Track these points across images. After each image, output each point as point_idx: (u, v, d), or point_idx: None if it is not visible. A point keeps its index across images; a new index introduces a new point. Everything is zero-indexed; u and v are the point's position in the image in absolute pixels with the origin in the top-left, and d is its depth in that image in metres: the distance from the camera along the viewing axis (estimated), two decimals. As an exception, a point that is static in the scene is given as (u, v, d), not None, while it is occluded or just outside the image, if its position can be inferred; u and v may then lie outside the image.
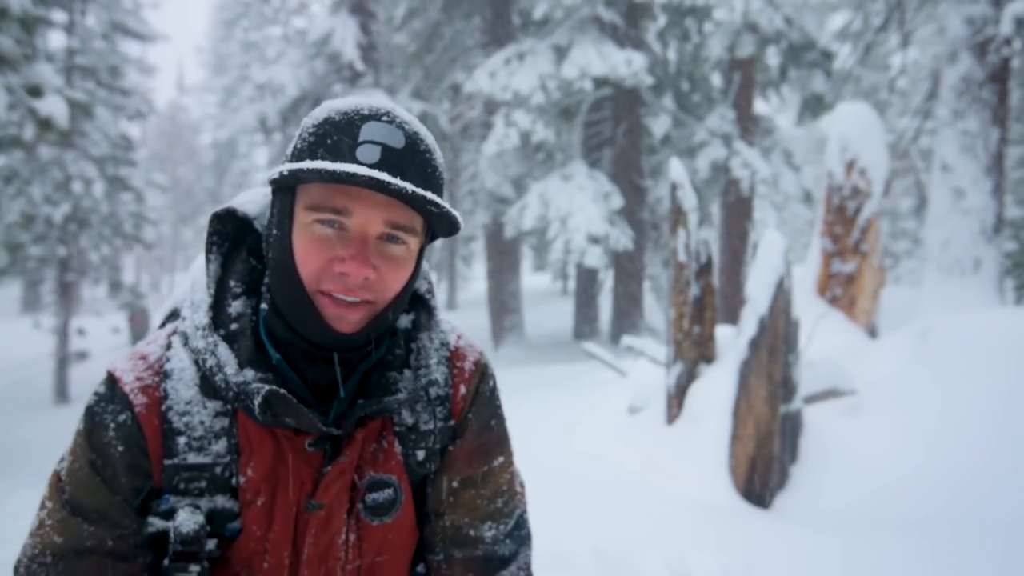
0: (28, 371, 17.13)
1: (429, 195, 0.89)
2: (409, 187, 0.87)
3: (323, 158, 0.90)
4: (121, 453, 0.95)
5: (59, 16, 13.45)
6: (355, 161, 0.89)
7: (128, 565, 0.96)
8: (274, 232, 0.96)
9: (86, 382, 14.38)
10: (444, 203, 0.91)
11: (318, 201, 0.91)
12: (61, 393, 14.01)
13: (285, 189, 0.95)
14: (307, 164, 0.87)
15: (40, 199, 13.29)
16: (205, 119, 44.57)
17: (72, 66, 14.03)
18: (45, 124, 9.23)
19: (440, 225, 0.97)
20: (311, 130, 0.94)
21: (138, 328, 21.00)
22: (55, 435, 9.84)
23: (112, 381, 0.99)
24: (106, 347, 21.33)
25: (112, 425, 0.96)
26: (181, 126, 44.73)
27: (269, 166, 29.08)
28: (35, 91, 9.10)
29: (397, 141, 0.92)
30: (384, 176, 0.86)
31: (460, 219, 0.94)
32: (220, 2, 37.63)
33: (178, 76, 49.10)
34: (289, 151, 0.97)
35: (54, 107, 9.23)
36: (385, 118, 0.93)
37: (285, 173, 0.89)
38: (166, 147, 42.69)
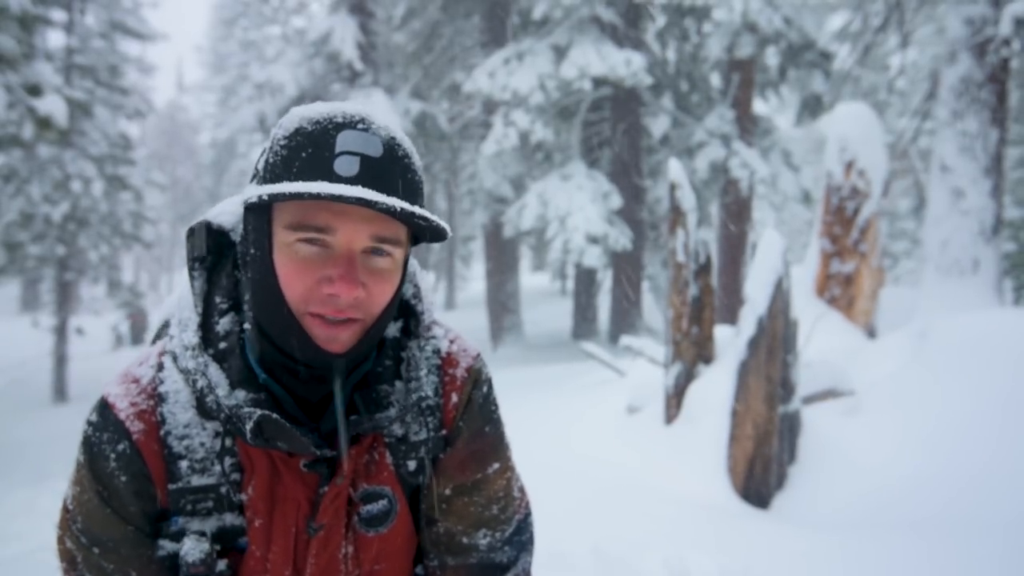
0: (27, 370, 17.12)
1: (417, 210, 0.86)
2: (397, 204, 0.84)
3: (299, 173, 0.86)
4: (125, 483, 0.95)
5: (58, 15, 13.43)
6: (333, 174, 0.86)
7: None
8: (252, 251, 0.92)
9: (85, 381, 14.37)
10: (432, 216, 0.88)
11: (299, 219, 0.87)
12: (60, 392, 14.00)
13: (260, 206, 0.91)
14: (286, 187, 0.84)
15: (39, 198, 13.28)
16: (204, 118, 44.55)
17: (71, 65, 14.02)
18: (44, 123, 9.23)
19: (426, 234, 0.94)
20: (283, 143, 0.89)
21: (137, 327, 21.03)
22: (54, 434, 9.82)
23: (106, 408, 0.97)
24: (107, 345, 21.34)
25: (112, 455, 0.95)
26: (180, 125, 44.71)
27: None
28: (34, 90, 9.09)
29: (375, 150, 0.88)
30: (370, 194, 0.82)
31: (448, 228, 0.91)
32: (219, 1, 37.63)
33: (177, 75, 49.09)
34: (261, 164, 0.92)
35: (53, 106, 9.22)
36: (360, 126, 0.89)
37: (265, 197, 0.85)
38: (165, 146, 42.66)
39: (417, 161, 0.95)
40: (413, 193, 0.91)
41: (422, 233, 0.95)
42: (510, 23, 13.86)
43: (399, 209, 0.84)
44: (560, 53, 11.95)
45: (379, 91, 13.47)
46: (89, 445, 0.96)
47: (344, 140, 0.87)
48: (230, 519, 0.97)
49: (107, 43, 15.47)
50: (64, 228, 13.79)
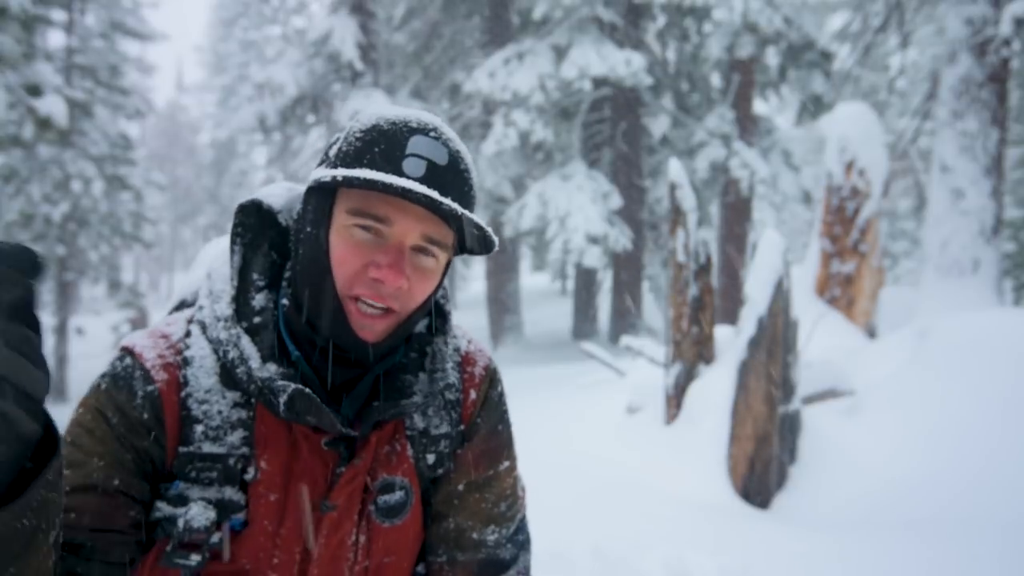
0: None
1: (475, 218, 0.92)
2: (459, 208, 0.89)
3: (369, 164, 0.92)
4: (145, 420, 0.94)
5: (58, 15, 13.44)
6: (400, 172, 0.91)
7: (134, 512, 0.93)
8: (308, 230, 0.97)
9: (85, 381, 14.36)
10: (486, 226, 0.94)
11: (361, 206, 0.93)
12: (60, 392, 14.01)
13: (325, 189, 0.96)
14: (361, 173, 0.88)
15: (39, 198, 13.29)
16: (204, 118, 44.57)
17: (71, 65, 14.02)
18: (44, 123, 9.24)
19: (474, 244, 1.01)
20: (358, 135, 0.95)
21: (137, 327, 21.02)
22: (54, 434, 9.82)
23: (132, 356, 0.98)
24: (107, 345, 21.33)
25: (140, 392, 0.95)
26: (180, 125, 44.73)
27: (268, 165, 29.11)
28: (34, 90, 9.11)
29: (441, 157, 0.94)
30: (435, 195, 0.88)
31: (496, 240, 0.97)
32: (219, 1, 37.64)
33: (177, 75, 49.12)
34: (333, 152, 0.97)
35: (53, 106, 9.24)
36: (432, 133, 0.95)
37: (339, 179, 0.89)
38: (165, 146, 42.69)
39: (475, 176, 1.00)
40: (468, 204, 0.97)
41: (468, 244, 1.02)
42: (510, 23, 13.87)
43: (460, 213, 0.90)
44: (560, 53, 11.95)
45: (379, 91, 13.47)
46: (115, 377, 0.96)
47: (415, 143, 0.93)
48: (230, 493, 0.97)
49: (107, 43, 15.46)
50: (64, 228, 13.79)
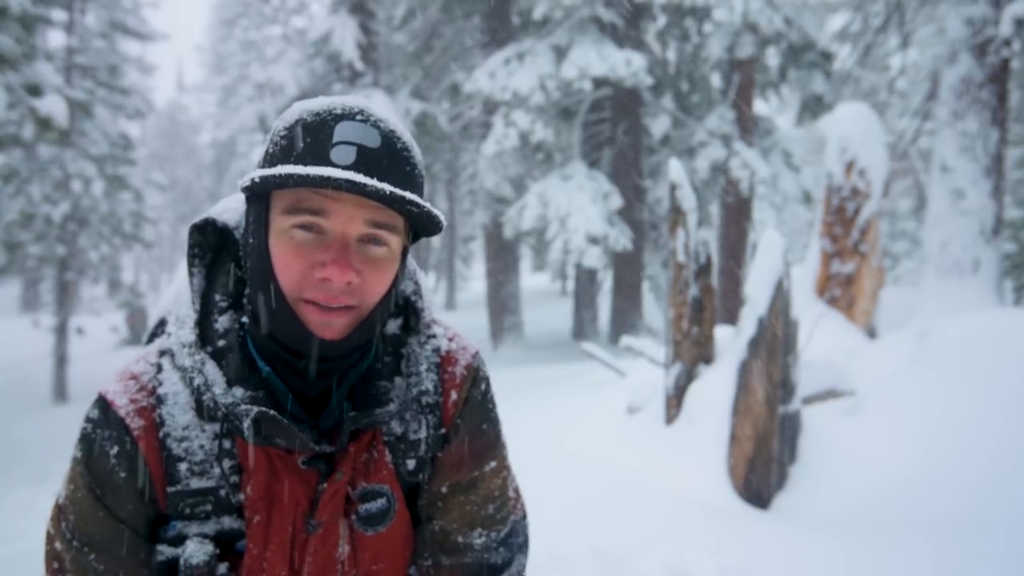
0: (27, 370, 17.11)
1: (408, 195, 0.86)
2: (387, 188, 0.84)
3: (296, 161, 0.87)
4: (125, 480, 0.94)
5: (59, 15, 13.42)
6: (329, 163, 0.86)
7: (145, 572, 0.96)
8: (251, 241, 0.93)
9: (85, 381, 14.37)
10: (424, 202, 0.88)
11: (294, 203, 0.88)
12: (60, 392, 13.99)
13: (259, 195, 0.92)
14: (279, 170, 0.84)
15: (39, 198, 13.27)
16: (204, 118, 44.56)
17: (72, 65, 14.01)
18: (44, 123, 9.24)
19: (422, 225, 0.94)
20: (282, 133, 0.91)
21: (136, 327, 21.02)
22: (54, 434, 9.82)
23: (105, 405, 0.96)
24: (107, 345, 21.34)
25: (112, 452, 0.94)
26: (180, 125, 44.71)
27: (268, 165, 29.08)
28: (35, 90, 9.11)
29: (372, 140, 0.89)
30: (360, 177, 0.83)
31: (442, 217, 0.92)
32: (219, 1, 37.64)
33: (177, 75, 49.12)
34: (261, 156, 0.94)
35: (53, 106, 9.24)
36: (359, 117, 0.90)
37: (257, 180, 0.85)
38: (165, 146, 42.66)
39: (417, 155, 0.95)
40: (412, 185, 0.92)
41: (420, 227, 0.96)
42: (511, 23, 13.87)
43: (388, 192, 0.84)
44: (560, 53, 11.94)
45: (379, 91, 13.46)
46: (88, 442, 0.95)
47: (342, 130, 0.88)
48: (228, 522, 0.97)
49: (107, 43, 15.44)
50: (64, 228, 13.78)
